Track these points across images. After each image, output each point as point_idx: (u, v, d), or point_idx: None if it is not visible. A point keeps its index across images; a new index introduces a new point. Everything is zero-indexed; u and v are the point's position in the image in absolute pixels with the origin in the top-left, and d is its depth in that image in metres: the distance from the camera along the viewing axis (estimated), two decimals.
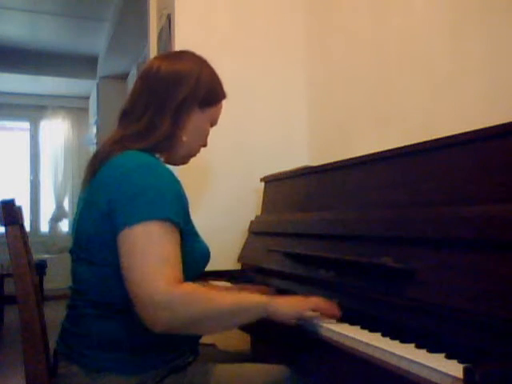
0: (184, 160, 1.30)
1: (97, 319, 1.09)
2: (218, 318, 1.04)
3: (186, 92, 1.18)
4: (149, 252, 0.98)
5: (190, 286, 1.02)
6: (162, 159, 1.23)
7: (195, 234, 1.22)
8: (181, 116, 1.19)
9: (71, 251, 1.17)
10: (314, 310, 1.11)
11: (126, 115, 1.21)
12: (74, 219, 1.18)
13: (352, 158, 1.50)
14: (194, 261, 1.13)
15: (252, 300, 1.09)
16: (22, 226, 1.21)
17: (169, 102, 1.17)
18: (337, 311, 1.11)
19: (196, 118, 1.22)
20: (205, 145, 1.32)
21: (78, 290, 1.14)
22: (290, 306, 1.09)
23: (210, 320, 1.03)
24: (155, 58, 1.29)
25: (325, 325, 1.08)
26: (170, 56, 1.30)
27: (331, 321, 1.10)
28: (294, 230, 1.66)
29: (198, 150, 1.30)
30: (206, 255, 1.22)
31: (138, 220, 0.99)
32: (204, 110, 1.24)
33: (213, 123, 1.30)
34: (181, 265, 1.02)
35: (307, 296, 1.14)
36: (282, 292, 1.54)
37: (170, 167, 1.19)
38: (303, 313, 1.10)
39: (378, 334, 1.01)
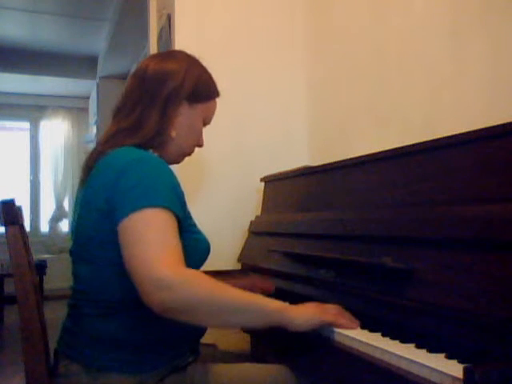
0: (177, 159, 1.30)
1: (97, 318, 1.09)
2: (221, 309, 0.98)
3: (171, 86, 1.21)
4: (148, 238, 0.96)
5: (194, 270, 0.98)
6: (156, 155, 1.23)
7: (194, 226, 1.23)
8: (169, 110, 1.21)
9: (71, 252, 1.17)
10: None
11: (118, 111, 1.24)
12: (73, 219, 1.18)
13: (352, 158, 1.50)
14: (193, 254, 1.12)
15: (268, 303, 1.03)
16: (22, 226, 1.21)
17: (156, 97, 1.20)
18: (355, 325, 1.06)
19: (184, 113, 1.24)
20: (200, 145, 1.33)
21: (79, 289, 1.14)
22: (305, 319, 1.03)
23: (213, 309, 0.97)
24: (147, 57, 1.33)
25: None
26: (161, 55, 1.33)
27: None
28: (294, 230, 1.66)
29: (191, 149, 1.31)
30: (205, 248, 1.23)
31: (134, 209, 0.99)
32: (193, 106, 1.25)
33: (205, 121, 1.31)
34: (181, 251, 0.99)
35: (324, 305, 1.08)
36: (282, 292, 1.54)
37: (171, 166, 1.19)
38: (319, 326, 1.04)
39: (378, 334, 1.01)
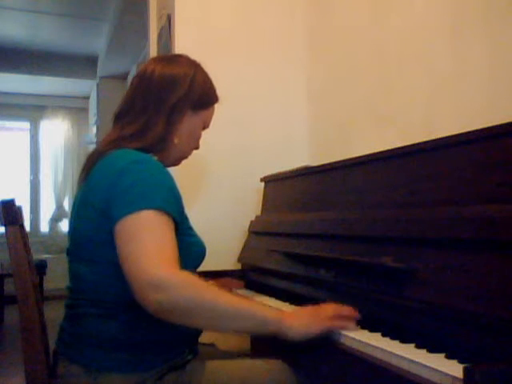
0: (175, 162, 1.32)
1: (96, 318, 1.09)
2: (215, 314, 0.98)
3: (179, 95, 1.21)
4: (144, 239, 0.97)
5: (189, 273, 0.98)
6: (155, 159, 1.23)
7: (190, 229, 1.23)
8: (174, 118, 1.22)
9: (68, 251, 1.18)
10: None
11: (121, 116, 1.23)
12: (71, 218, 1.18)
13: (352, 158, 1.50)
14: (189, 257, 1.12)
15: (264, 312, 1.03)
16: (22, 226, 1.21)
17: (163, 104, 1.20)
18: (352, 322, 1.06)
19: (189, 121, 1.25)
20: (197, 147, 1.35)
21: (77, 289, 1.14)
22: (302, 331, 1.02)
23: (207, 313, 0.97)
24: (150, 60, 1.32)
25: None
26: (165, 59, 1.31)
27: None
28: (294, 230, 1.66)
29: (189, 153, 1.33)
30: (201, 251, 1.23)
31: (131, 210, 0.99)
32: (197, 113, 1.27)
33: (205, 126, 1.33)
34: (177, 253, 0.99)
35: (321, 306, 1.07)
36: (282, 292, 1.54)
37: (170, 168, 1.20)
38: (316, 333, 1.03)
39: (378, 334, 1.01)
